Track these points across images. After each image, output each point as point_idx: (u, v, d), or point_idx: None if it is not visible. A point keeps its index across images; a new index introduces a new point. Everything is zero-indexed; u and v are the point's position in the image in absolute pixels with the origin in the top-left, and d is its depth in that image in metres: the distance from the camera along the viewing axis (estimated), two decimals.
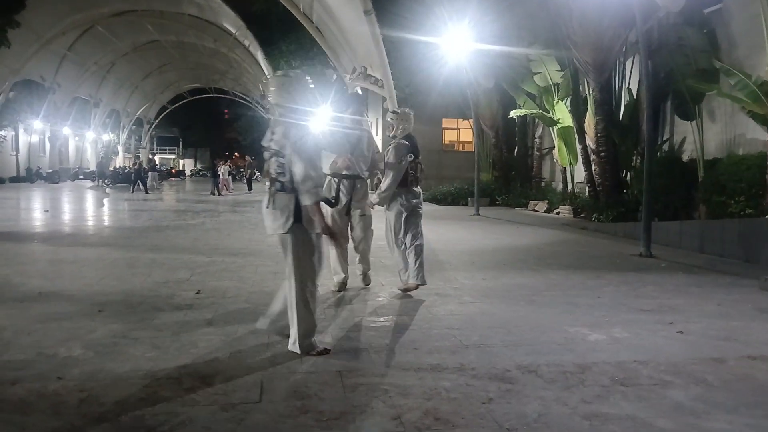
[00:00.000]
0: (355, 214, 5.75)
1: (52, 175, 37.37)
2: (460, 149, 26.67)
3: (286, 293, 3.79)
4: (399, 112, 5.76)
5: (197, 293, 5.54)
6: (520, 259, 8.08)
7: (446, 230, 11.85)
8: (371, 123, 26.14)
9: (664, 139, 13.26)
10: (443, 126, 26.39)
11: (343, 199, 5.65)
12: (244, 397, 3.08)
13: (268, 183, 3.75)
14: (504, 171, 20.94)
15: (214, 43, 38.91)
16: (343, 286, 5.80)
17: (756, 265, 7.61)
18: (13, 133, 35.69)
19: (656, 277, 6.86)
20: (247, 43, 33.17)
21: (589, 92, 14.28)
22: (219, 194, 25.21)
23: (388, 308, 5.16)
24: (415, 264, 5.54)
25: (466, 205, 18.80)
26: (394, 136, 5.68)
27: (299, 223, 3.66)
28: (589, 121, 14.23)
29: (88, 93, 43.36)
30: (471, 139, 24.48)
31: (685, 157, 12.41)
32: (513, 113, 18.01)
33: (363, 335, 4.26)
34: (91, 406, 2.96)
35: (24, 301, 5.15)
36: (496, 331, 4.41)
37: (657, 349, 4.04)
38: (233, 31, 33.27)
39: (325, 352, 3.76)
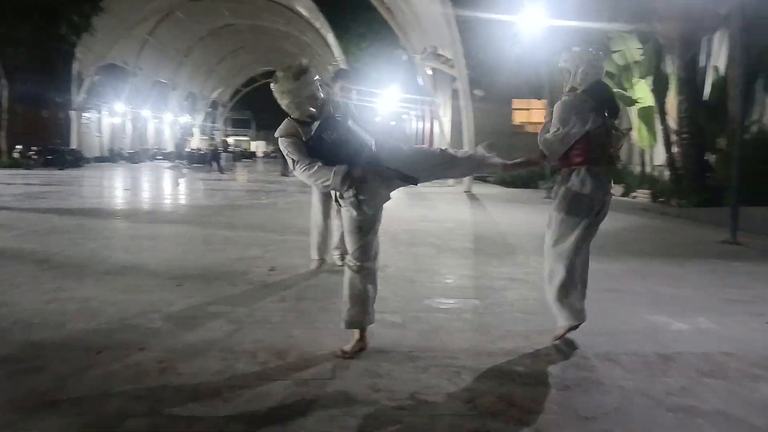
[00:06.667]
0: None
1: (132, 155, 39.21)
2: (531, 130, 26.04)
3: None
4: (577, 50, 3.77)
5: (271, 270, 5.64)
6: (596, 245, 7.70)
7: (517, 214, 11.62)
8: (440, 106, 25.84)
9: (754, 119, 12.44)
10: (513, 107, 25.81)
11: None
12: (317, 374, 3.10)
13: None
14: None
15: (286, 26, 39.48)
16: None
17: None
18: (98, 115, 37.60)
19: (744, 265, 6.47)
20: (318, 25, 33.48)
21: (672, 70, 13.56)
22: (288, 175, 25.70)
23: (457, 291, 5.10)
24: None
25: (537, 188, 18.35)
26: (572, 89, 3.70)
27: None
28: (672, 101, 13.53)
29: (167, 77, 45.09)
30: (543, 120, 23.84)
31: None
32: None
33: (433, 317, 4.21)
34: (171, 376, 3.06)
35: (109, 273, 5.38)
36: None
37: (746, 341, 3.80)
38: (305, 14, 33.62)
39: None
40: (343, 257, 5.70)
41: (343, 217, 3.49)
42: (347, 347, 3.39)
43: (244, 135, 79.93)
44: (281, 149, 3.43)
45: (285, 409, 2.68)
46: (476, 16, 17.24)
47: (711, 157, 13.06)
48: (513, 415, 2.65)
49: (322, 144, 3.33)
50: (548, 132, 3.66)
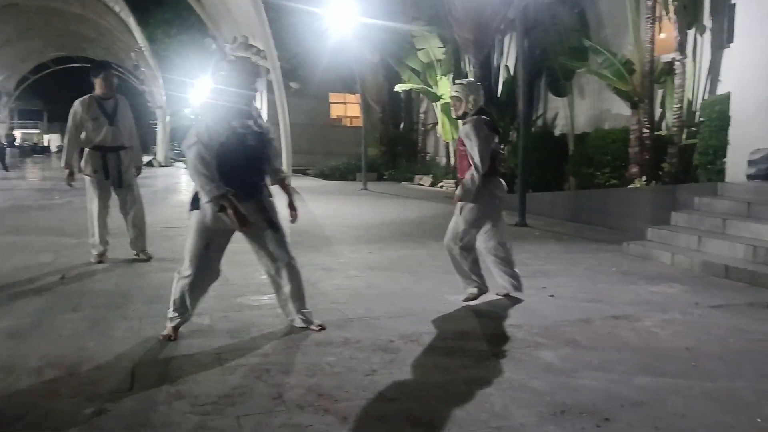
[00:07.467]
0: (125, 187, 5.88)
1: None
2: (348, 124, 26.60)
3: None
4: (465, 82, 4.63)
5: (62, 278, 5.12)
6: (405, 232, 8.21)
7: (334, 205, 11.81)
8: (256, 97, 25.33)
9: (539, 114, 13.93)
10: (330, 101, 26.17)
11: (112, 173, 5.79)
12: (113, 387, 2.87)
13: None
14: (390, 146, 21.15)
15: (82, 9, 35.92)
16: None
17: (619, 231, 8.21)
18: None
19: (530, 245, 7.23)
20: (117, 9, 30.90)
21: (469, 69, 14.65)
22: None
23: (272, 286, 5.03)
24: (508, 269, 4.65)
25: (354, 180, 18.83)
26: (465, 114, 4.50)
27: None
28: None
29: None
30: (358, 114, 24.49)
31: (557, 132, 13.11)
32: (398, 87, 18.16)
33: (245, 315, 4.13)
34: None
35: None
36: (380, 304, 4.43)
37: (531, 313, 4.24)
38: None
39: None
40: (138, 255, 5.57)
41: (196, 220, 3.45)
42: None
43: (35, 128, 71.37)
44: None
45: (73, 429, 2.44)
46: (288, 6, 17.12)
47: (504, 149, 14.34)
48: (320, 406, 2.68)
49: (241, 147, 3.40)
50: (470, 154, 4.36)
